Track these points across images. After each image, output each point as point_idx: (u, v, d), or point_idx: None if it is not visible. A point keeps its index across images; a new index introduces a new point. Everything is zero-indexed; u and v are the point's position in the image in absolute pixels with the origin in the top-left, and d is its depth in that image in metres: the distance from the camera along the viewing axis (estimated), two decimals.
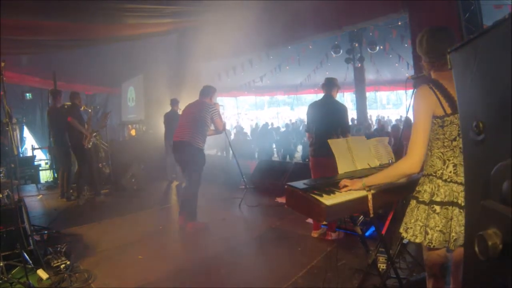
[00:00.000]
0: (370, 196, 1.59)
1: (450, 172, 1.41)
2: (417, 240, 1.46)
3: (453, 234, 1.37)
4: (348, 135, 3.39)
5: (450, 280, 1.58)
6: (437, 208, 1.41)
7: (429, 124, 1.44)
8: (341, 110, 3.46)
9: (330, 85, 3.56)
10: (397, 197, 2.11)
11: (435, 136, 1.45)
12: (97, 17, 5.39)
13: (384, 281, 2.14)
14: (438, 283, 1.53)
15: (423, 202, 1.47)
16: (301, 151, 10.24)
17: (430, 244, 1.41)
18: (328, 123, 3.39)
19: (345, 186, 1.63)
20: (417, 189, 1.53)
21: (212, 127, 3.99)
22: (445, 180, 1.42)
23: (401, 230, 1.55)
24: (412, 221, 1.49)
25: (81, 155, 5.19)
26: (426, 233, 1.42)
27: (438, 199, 1.41)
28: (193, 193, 3.83)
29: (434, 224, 1.40)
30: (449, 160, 1.42)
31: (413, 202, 1.53)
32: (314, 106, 3.62)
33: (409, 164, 1.46)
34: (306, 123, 3.80)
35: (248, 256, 3.18)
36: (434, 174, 1.46)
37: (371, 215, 1.61)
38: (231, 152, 5.51)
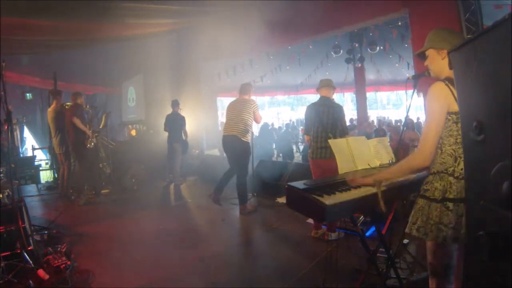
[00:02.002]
0: (380, 194, 1.58)
1: (462, 169, 1.40)
2: (428, 238, 1.45)
3: (463, 230, 1.36)
4: (346, 136, 3.38)
5: (453, 280, 1.57)
6: (450, 205, 1.40)
7: (443, 120, 1.44)
8: (337, 111, 3.44)
9: (325, 87, 3.56)
10: (402, 195, 2.11)
11: (448, 133, 1.44)
12: (97, 16, 5.40)
13: (384, 281, 2.14)
14: (442, 283, 1.52)
15: (435, 200, 1.45)
16: (301, 151, 10.25)
17: (444, 241, 1.40)
18: (324, 125, 3.38)
19: (355, 182, 1.63)
20: (424, 187, 1.52)
21: None
22: (457, 177, 1.41)
23: (407, 230, 1.54)
24: (424, 219, 1.47)
25: (81, 155, 5.18)
26: (440, 230, 1.41)
27: (451, 196, 1.41)
28: (243, 180, 4.38)
29: (448, 221, 1.40)
30: (460, 157, 1.42)
31: (421, 201, 1.51)
32: (310, 108, 3.61)
33: (421, 158, 1.47)
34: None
35: (248, 256, 3.18)
36: (445, 172, 1.45)
37: (383, 211, 1.60)
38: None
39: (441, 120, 1.44)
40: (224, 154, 4.65)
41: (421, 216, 1.49)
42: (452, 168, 1.43)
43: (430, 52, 1.59)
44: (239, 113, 4.31)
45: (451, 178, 1.43)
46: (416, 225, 1.50)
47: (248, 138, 4.35)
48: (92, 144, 5.23)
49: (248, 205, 4.50)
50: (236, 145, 4.27)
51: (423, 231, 1.47)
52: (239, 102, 4.46)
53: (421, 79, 2.01)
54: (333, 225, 3.36)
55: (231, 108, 4.49)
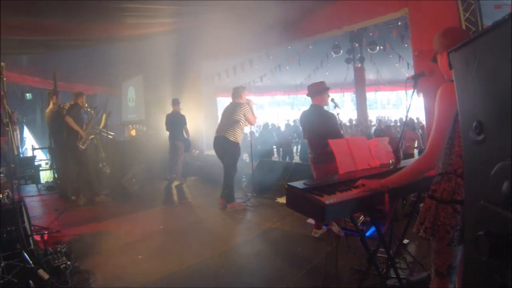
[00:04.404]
0: (387, 198, 1.59)
1: None
2: (435, 240, 1.45)
3: None
4: None
5: (455, 280, 1.57)
6: (458, 207, 1.39)
7: (451, 123, 1.43)
8: (328, 118, 3.36)
9: (314, 93, 3.43)
10: (402, 195, 2.10)
11: (458, 134, 1.42)
12: (97, 17, 5.39)
13: (384, 281, 2.14)
14: (444, 283, 1.51)
15: (442, 201, 1.44)
16: (298, 152, 10.27)
17: (451, 243, 1.40)
18: (319, 134, 3.32)
19: (363, 185, 1.63)
20: (432, 188, 1.51)
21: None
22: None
23: (415, 230, 1.53)
24: (431, 220, 1.46)
25: (78, 155, 5.16)
26: (447, 232, 1.40)
27: (459, 198, 1.39)
28: (230, 179, 4.54)
29: (455, 223, 1.39)
30: None
31: (429, 201, 1.50)
32: (304, 116, 3.58)
33: (428, 161, 1.47)
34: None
35: (248, 256, 3.18)
36: (454, 173, 1.43)
37: (388, 214, 1.61)
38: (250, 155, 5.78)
39: (447, 122, 1.43)
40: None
41: (428, 217, 1.48)
42: (460, 169, 1.41)
43: (439, 56, 1.58)
44: (229, 115, 4.51)
45: (459, 179, 1.41)
46: (423, 226, 1.49)
47: (237, 139, 4.48)
48: (85, 145, 5.13)
49: (236, 204, 4.61)
50: (224, 145, 4.46)
51: (430, 232, 1.46)
52: (231, 105, 4.64)
53: (421, 79, 2.01)
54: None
55: (223, 111, 4.73)
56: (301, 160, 7.80)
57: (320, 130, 3.32)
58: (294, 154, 10.27)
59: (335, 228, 3.39)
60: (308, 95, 3.52)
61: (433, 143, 1.46)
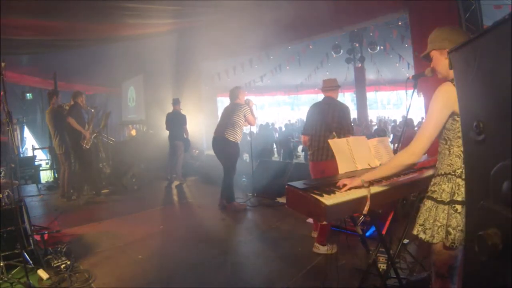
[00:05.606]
0: (369, 194, 1.56)
1: None
2: (434, 241, 1.44)
3: None
4: (349, 135, 3.27)
5: (456, 280, 1.56)
6: (459, 207, 1.38)
7: (442, 122, 1.43)
8: (343, 110, 3.27)
9: (330, 87, 3.41)
10: (397, 196, 2.10)
11: (457, 134, 1.42)
12: (97, 17, 5.40)
13: (384, 281, 2.14)
14: (445, 283, 1.51)
15: (442, 202, 1.44)
16: (301, 151, 10.27)
17: (453, 244, 1.39)
18: (329, 124, 3.22)
19: (344, 185, 1.61)
20: (431, 189, 1.50)
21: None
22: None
23: (414, 232, 1.51)
24: (431, 221, 1.46)
25: (80, 155, 5.17)
26: (448, 233, 1.39)
27: (459, 198, 1.39)
28: (229, 179, 4.55)
29: (456, 224, 1.38)
30: None
31: (429, 202, 1.49)
32: (314, 107, 3.48)
33: (409, 154, 1.46)
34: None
35: (248, 256, 3.18)
36: (453, 173, 1.43)
37: (365, 213, 1.58)
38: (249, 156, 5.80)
39: (440, 121, 1.42)
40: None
41: (428, 218, 1.47)
42: (460, 170, 1.41)
43: (434, 54, 1.56)
44: (228, 116, 4.51)
45: (459, 180, 1.40)
46: (423, 227, 1.49)
47: (237, 139, 4.49)
48: (89, 144, 5.17)
49: (236, 204, 4.62)
50: (223, 145, 4.46)
51: (430, 233, 1.45)
52: (230, 106, 4.66)
53: (421, 79, 2.01)
54: (323, 237, 3.13)
55: (223, 112, 4.75)
56: (304, 158, 7.80)
57: (333, 119, 3.20)
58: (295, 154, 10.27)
59: (320, 250, 3.07)
60: (322, 89, 3.45)
61: (420, 139, 1.45)
